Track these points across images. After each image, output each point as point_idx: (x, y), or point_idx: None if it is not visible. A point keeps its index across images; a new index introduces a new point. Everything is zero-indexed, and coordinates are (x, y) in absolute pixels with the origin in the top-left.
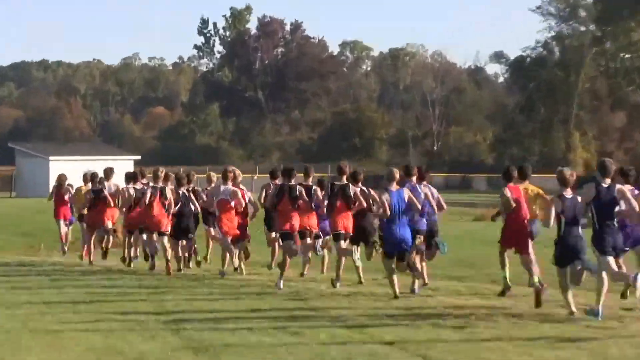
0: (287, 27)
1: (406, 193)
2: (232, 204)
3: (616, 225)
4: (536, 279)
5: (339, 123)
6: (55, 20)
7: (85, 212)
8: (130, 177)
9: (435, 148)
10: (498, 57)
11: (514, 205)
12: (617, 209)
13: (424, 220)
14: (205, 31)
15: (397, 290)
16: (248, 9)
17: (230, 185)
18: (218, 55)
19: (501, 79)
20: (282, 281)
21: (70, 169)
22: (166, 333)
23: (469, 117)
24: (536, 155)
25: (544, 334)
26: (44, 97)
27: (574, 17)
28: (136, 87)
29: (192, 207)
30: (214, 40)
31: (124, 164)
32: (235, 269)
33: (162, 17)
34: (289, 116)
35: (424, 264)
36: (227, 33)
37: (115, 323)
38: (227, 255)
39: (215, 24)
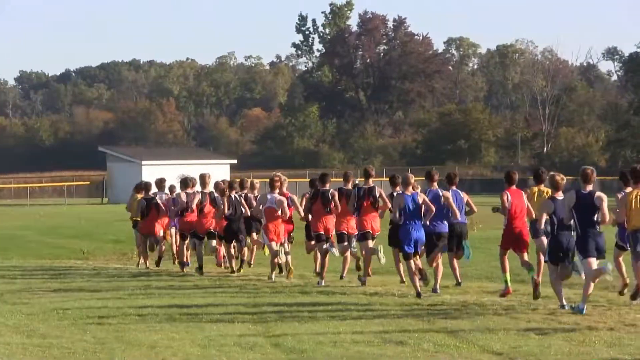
0: (390, 24)
1: (420, 197)
2: (279, 212)
3: (598, 228)
4: (533, 273)
5: (444, 124)
6: (146, 18)
7: (139, 219)
8: (185, 184)
9: (545, 150)
10: (611, 53)
11: (508, 209)
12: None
13: (445, 223)
14: (303, 28)
15: (419, 289)
16: (349, 4)
17: (276, 194)
18: (317, 54)
19: (615, 77)
20: (323, 281)
21: (163, 173)
22: (264, 342)
23: (581, 117)
24: None
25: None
26: (135, 98)
27: None
28: (232, 88)
29: (242, 211)
30: (313, 38)
31: (219, 169)
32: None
33: (258, 13)
34: (391, 118)
35: (455, 264)
36: (327, 30)
37: (213, 333)
38: (275, 261)
39: (314, 21)
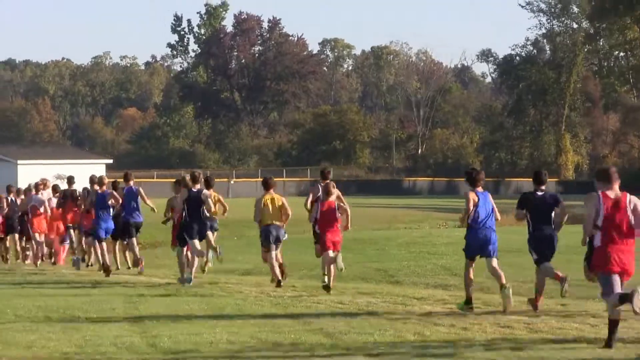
0: (265, 24)
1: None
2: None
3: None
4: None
5: (320, 125)
6: (22, 17)
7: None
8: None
9: (419, 151)
10: (486, 55)
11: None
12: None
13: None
14: (179, 29)
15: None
16: (224, 5)
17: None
18: (192, 54)
19: (489, 79)
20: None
21: (40, 173)
22: (140, 342)
23: (455, 119)
24: (526, 159)
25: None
26: (11, 98)
27: (566, 13)
28: (107, 88)
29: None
30: (189, 39)
31: (95, 168)
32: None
33: (134, 13)
34: (266, 118)
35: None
36: (202, 31)
37: (90, 333)
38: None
39: (189, 21)
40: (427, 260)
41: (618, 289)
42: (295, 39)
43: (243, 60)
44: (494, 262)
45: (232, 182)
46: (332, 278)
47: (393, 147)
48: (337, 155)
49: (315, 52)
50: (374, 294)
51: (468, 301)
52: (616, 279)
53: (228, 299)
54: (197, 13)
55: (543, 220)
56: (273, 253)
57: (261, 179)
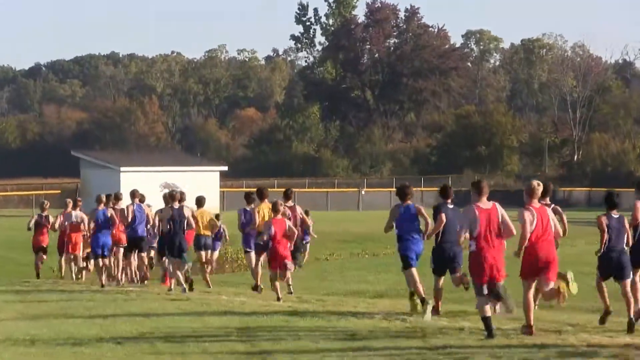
0: (401, 14)
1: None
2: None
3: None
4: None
5: (462, 128)
6: (127, 7)
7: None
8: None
9: (575, 158)
10: None
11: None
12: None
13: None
14: (304, 19)
15: None
16: None
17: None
18: (319, 48)
19: None
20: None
21: (145, 181)
22: None
23: (616, 121)
24: None
25: None
26: (113, 97)
27: None
28: (222, 86)
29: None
30: (315, 30)
31: (208, 176)
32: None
33: (253, 2)
34: (402, 120)
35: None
36: (330, 21)
37: None
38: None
39: (316, 11)
40: (580, 281)
41: (486, 291)
42: (436, 30)
43: (376, 55)
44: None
45: (363, 192)
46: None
47: (545, 153)
48: (482, 161)
49: (458, 45)
50: (520, 319)
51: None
52: (485, 285)
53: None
54: (325, 1)
55: None
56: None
57: (396, 189)
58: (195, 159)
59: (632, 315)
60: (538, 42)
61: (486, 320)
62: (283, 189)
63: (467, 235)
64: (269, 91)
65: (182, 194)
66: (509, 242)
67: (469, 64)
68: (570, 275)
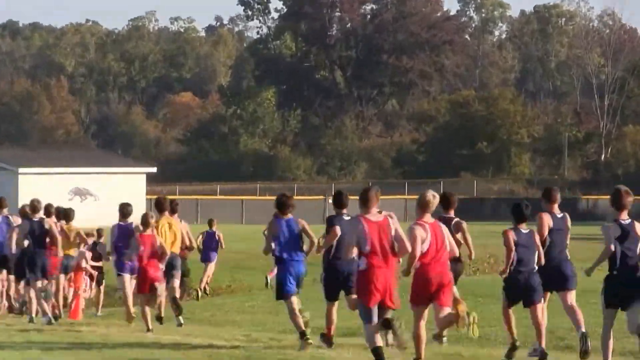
0: None
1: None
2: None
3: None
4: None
5: (459, 119)
6: None
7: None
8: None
9: (603, 157)
10: None
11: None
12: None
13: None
14: None
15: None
16: None
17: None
18: (275, 16)
19: None
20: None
21: (50, 186)
22: None
23: None
24: None
25: None
26: (11, 77)
27: None
28: (151, 64)
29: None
30: None
31: (132, 180)
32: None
33: None
34: (382, 108)
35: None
36: None
37: None
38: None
39: None
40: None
41: (375, 317)
42: None
43: (348, 25)
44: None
45: (330, 200)
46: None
47: (565, 151)
48: (483, 162)
49: (453, 13)
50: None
51: None
52: (375, 309)
53: None
54: None
55: None
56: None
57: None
58: (115, 158)
59: (543, 346)
60: (556, 10)
61: (377, 351)
62: (228, 197)
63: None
64: (210, 71)
65: (49, 206)
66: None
67: (467, 37)
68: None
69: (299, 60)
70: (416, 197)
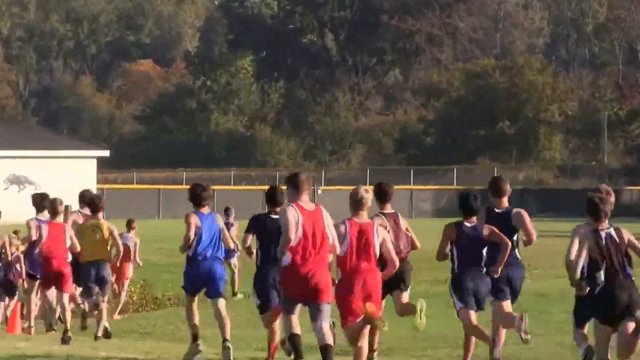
0: None
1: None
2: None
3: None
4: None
5: (475, 92)
6: None
7: None
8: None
9: None
10: None
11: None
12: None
13: None
14: None
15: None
16: None
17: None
18: None
19: None
20: None
21: None
22: None
23: None
24: None
25: None
26: None
27: None
28: (103, 26)
29: None
30: None
31: (80, 166)
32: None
33: None
34: (382, 80)
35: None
36: None
37: None
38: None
39: None
40: None
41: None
42: None
43: None
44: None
45: (319, 190)
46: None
47: (604, 133)
48: (505, 144)
49: None
50: None
51: None
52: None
53: None
54: None
55: None
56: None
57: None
58: (59, 139)
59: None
60: None
61: (294, 339)
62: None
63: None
64: (174, 35)
65: None
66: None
67: None
68: (420, 305)
69: (282, 22)
70: (423, 187)
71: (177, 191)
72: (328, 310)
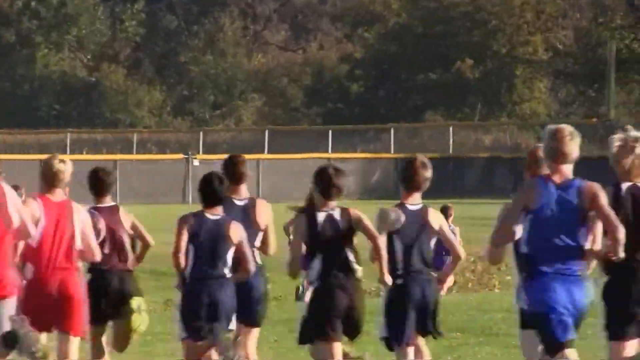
0: None
1: None
2: None
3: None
4: None
5: (421, 17)
6: None
7: None
8: None
9: None
10: None
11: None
12: None
13: None
14: None
15: None
16: None
17: None
18: None
19: None
20: None
21: None
22: None
23: None
24: None
25: None
26: None
27: None
28: None
29: None
30: None
31: None
32: None
33: None
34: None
35: None
36: None
37: None
38: None
39: None
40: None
41: None
42: None
43: None
44: None
45: (195, 161)
46: None
47: (611, 75)
48: (464, 95)
49: None
50: None
51: None
52: None
53: None
54: None
55: None
56: None
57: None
58: None
59: None
60: None
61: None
62: (20, 156)
63: None
64: None
65: None
66: None
67: None
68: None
69: None
70: (346, 155)
71: None
72: None
